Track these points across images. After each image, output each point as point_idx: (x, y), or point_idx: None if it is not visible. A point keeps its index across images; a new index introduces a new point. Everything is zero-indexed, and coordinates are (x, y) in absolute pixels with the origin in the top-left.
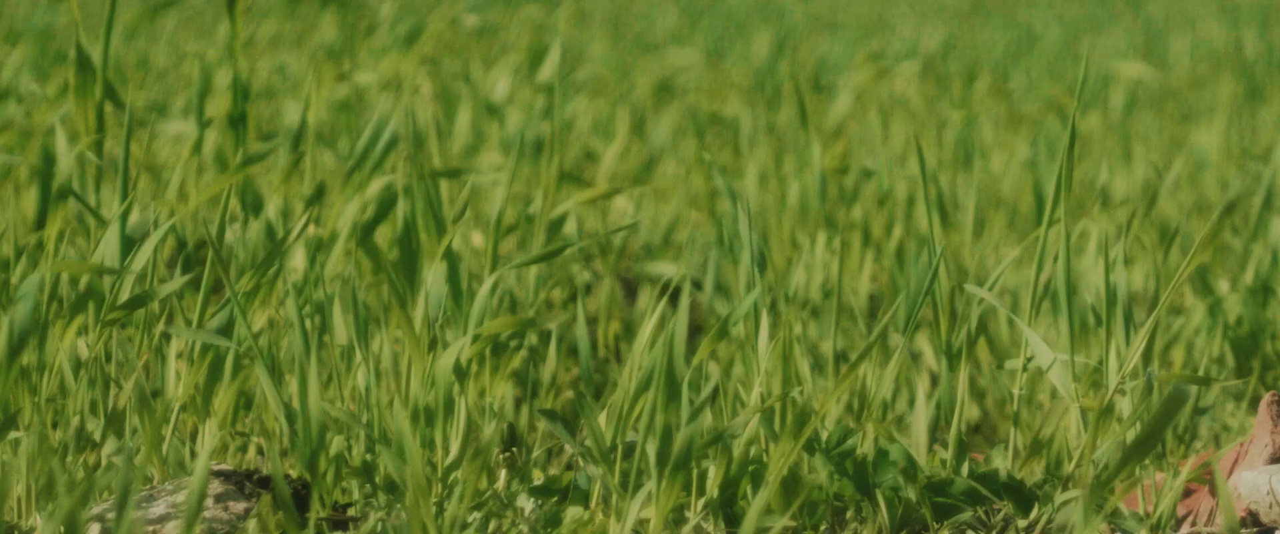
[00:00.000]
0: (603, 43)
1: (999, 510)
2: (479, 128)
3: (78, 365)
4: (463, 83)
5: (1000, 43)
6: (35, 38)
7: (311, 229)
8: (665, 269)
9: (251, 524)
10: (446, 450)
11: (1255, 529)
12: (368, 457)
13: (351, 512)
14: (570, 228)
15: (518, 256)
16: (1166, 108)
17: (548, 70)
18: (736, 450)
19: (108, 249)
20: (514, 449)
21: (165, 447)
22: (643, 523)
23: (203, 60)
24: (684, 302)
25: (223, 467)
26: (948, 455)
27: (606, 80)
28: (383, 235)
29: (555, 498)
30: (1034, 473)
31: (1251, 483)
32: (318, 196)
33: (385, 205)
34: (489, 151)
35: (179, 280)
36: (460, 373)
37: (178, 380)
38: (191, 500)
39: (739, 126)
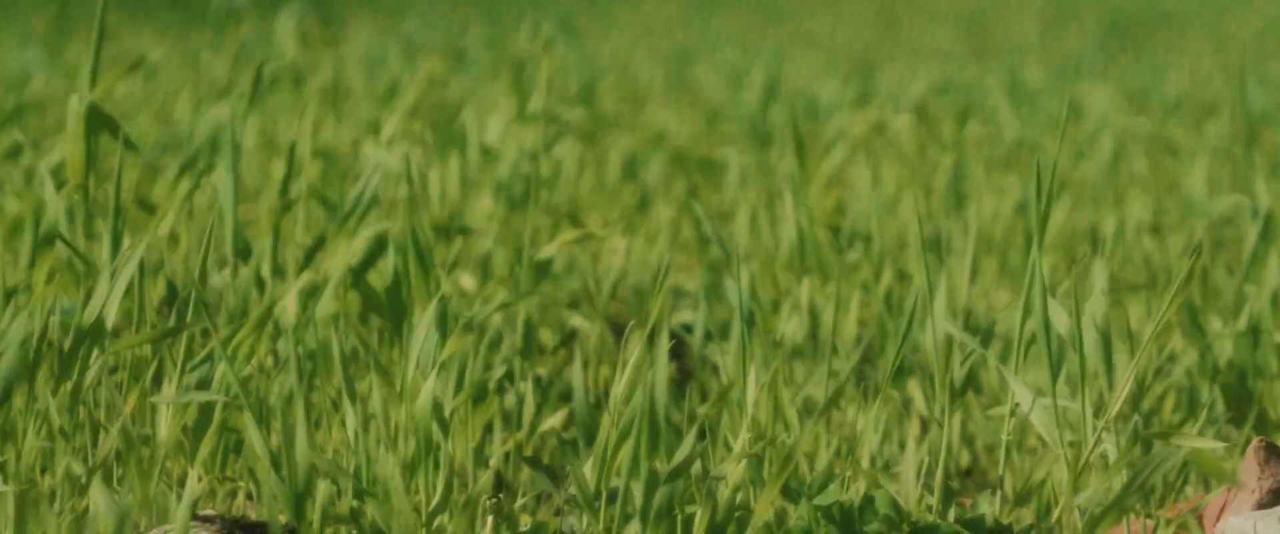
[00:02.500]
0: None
1: None
2: (467, 175)
3: (65, 408)
4: (453, 128)
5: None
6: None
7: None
8: (656, 314)
9: None
10: (430, 495)
11: None
12: (355, 503)
13: None
14: (560, 269)
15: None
16: (1158, 150)
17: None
18: (722, 496)
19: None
20: (500, 495)
21: (153, 492)
22: None
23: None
24: (661, 345)
25: (210, 513)
26: (934, 501)
27: (599, 123)
28: (373, 281)
29: None
30: (1022, 519)
31: (1238, 529)
32: (314, 249)
33: (374, 252)
34: (481, 196)
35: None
36: (441, 417)
37: (164, 424)
38: None
39: (727, 169)
